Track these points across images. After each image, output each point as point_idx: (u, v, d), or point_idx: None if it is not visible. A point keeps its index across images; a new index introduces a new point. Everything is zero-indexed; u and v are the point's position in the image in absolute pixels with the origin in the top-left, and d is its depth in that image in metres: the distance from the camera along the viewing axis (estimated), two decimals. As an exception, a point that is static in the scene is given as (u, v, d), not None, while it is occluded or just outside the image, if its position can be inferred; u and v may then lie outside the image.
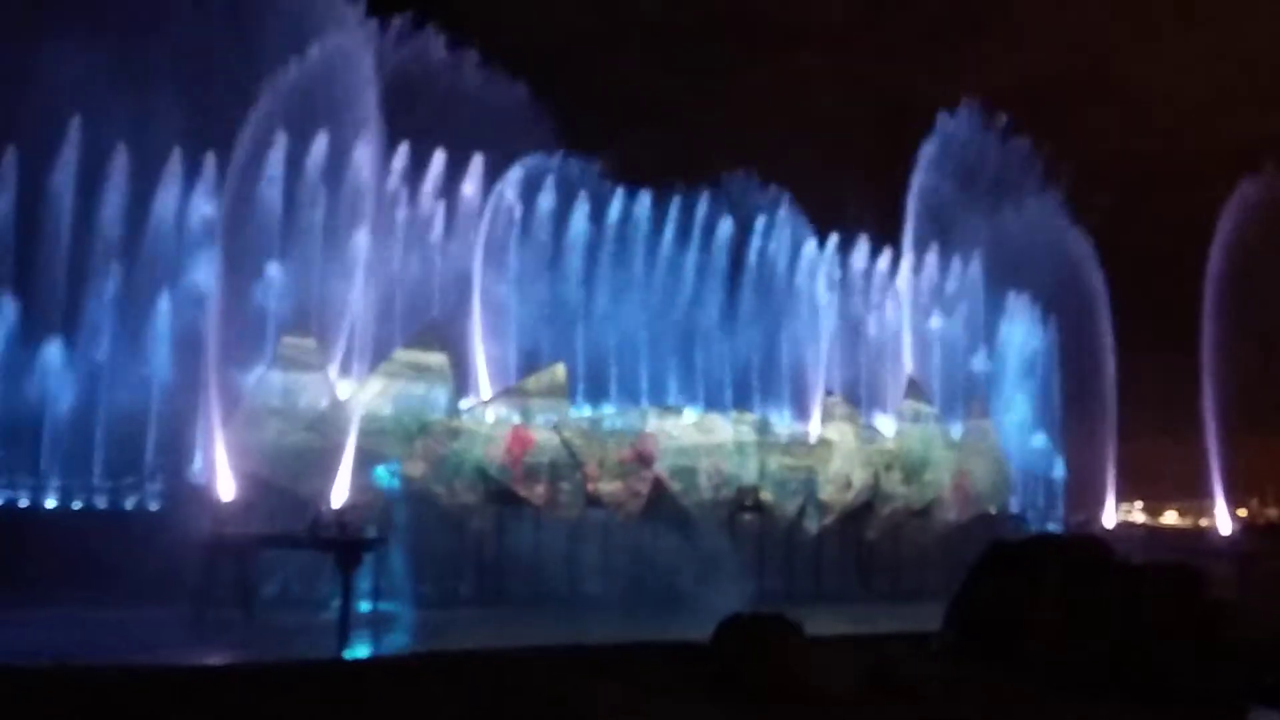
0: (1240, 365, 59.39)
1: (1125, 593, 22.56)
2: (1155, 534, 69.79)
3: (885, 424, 60.34)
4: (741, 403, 58.58)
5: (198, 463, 45.04)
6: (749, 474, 54.57)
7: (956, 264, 65.67)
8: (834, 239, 62.76)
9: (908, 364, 63.30)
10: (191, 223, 46.51)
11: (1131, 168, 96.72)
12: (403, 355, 48.24)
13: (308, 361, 45.97)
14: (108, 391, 46.29)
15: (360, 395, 46.33)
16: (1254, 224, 62.77)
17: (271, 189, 47.62)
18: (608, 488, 50.84)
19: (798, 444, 56.82)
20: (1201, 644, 21.38)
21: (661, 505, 51.57)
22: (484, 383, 52.35)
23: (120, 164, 47.61)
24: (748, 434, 55.30)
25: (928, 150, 62.75)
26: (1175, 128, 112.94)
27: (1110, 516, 64.43)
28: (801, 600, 43.96)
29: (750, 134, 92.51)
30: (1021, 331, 67.19)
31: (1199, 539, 62.45)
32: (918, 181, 62.26)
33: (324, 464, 44.14)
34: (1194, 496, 67.19)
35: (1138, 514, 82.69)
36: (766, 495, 54.98)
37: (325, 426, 45.17)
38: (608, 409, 54.55)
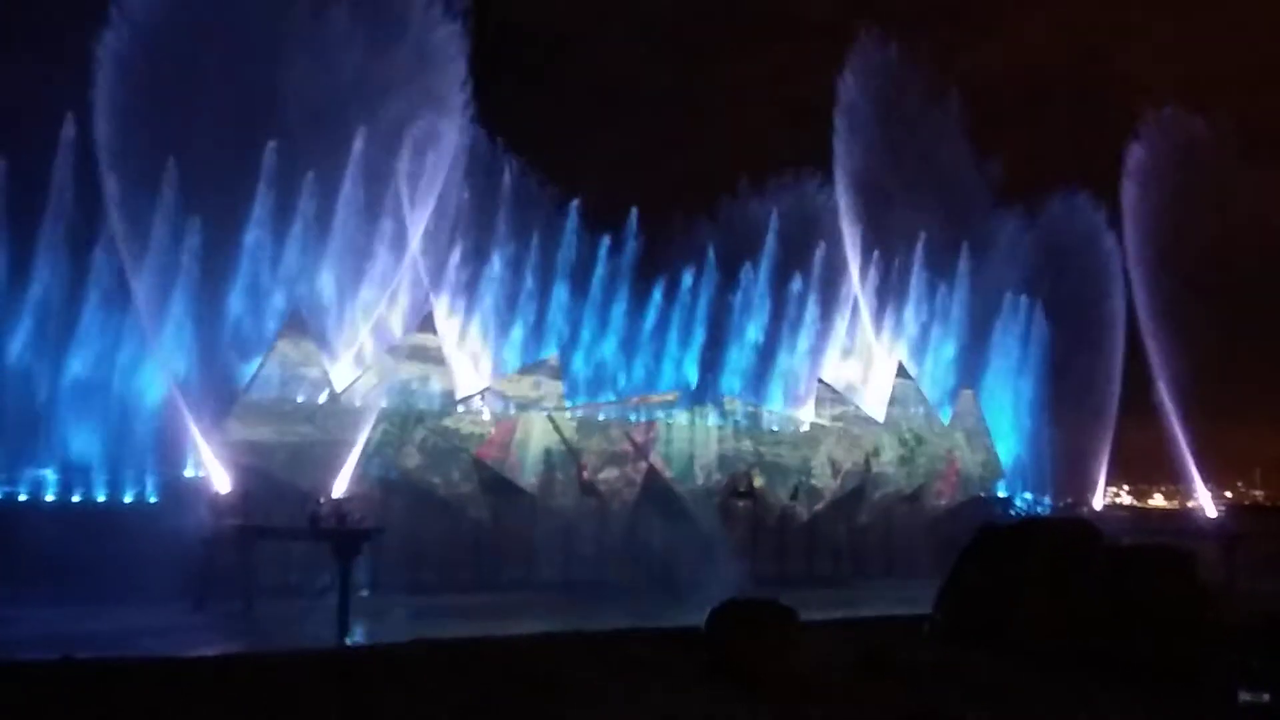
0: (1210, 347, 59.39)
1: (1114, 575, 22.77)
2: (1142, 516, 70.17)
3: (876, 410, 60.69)
4: (734, 390, 58.86)
5: (197, 456, 45.25)
6: (742, 461, 54.97)
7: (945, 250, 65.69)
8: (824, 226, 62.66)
9: (870, 348, 63.56)
10: (192, 218, 46.22)
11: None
12: (398, 349, 48.53)
13: (305, 355, 46.23)
14: (106, 385, 46.30)
15: (356, 388, 46.63)
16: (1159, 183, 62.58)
17: (269, 188, 47.52)
18: (603, 476, 51.23)
19: (790, 431, 57.20)
20: (1190, 625, 21.62)
21: (656, 493, 51.94)
22: (477, 376, 52.52)
23: (118, 161, 47.27)
24: (740, 421, 55.70)
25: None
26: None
27: (1098, 499, 64.86)
28: (795, 584, 44.35)
29: (742, 124, 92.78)
30: (1013, 317, 67.28)
31: (1186, 521, 62.77)
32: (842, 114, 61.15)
33: (322, 456, 44.51)
34: (1181, 479, 67.47)
35: (1125, 497, 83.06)
36: (759, 481, 55.39)
37: (323, 419, 45.53)
38: (602, 398, 54.83)
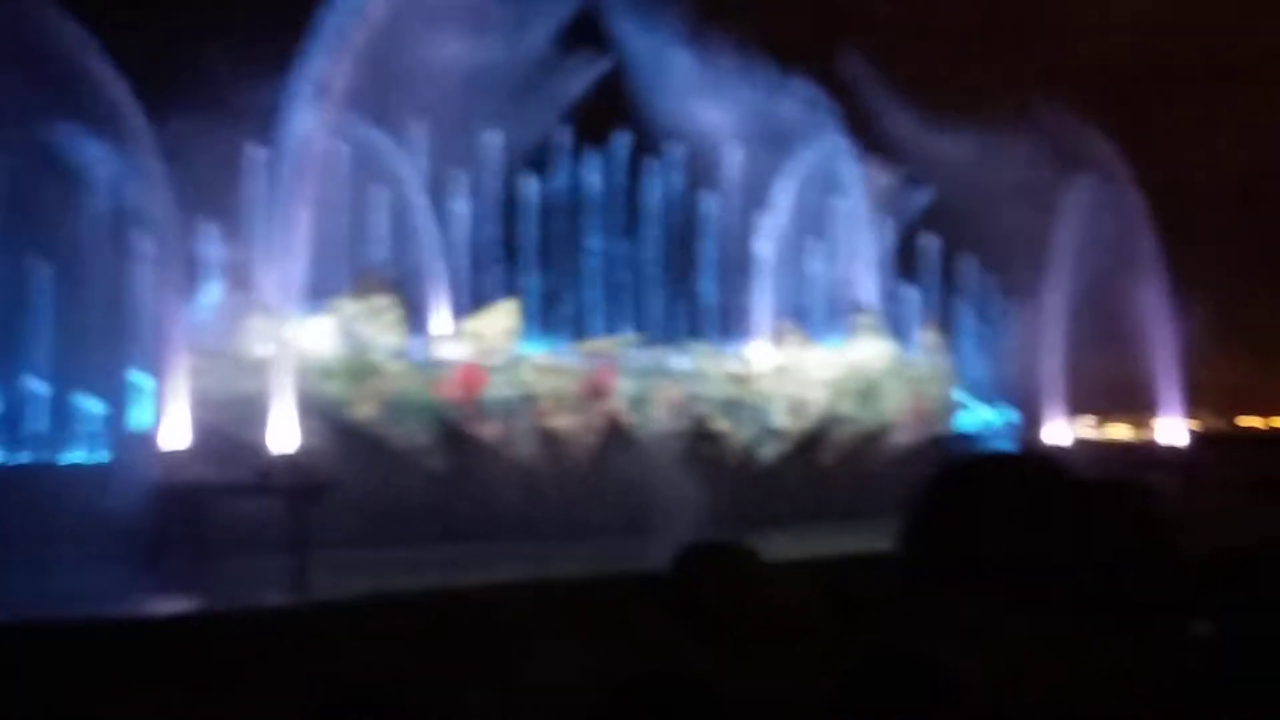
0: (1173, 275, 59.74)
1: (1076, 508, 22.90)
2: (1108, 448, 70.69)
3: (838, 347, 60.37)
4: (694, 331, 58.43)
5: (143, 411, 44.19)
6: (704, 403, 54.54)
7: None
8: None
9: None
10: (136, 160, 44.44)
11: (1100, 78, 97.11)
12: (350, 294, 47.48)
13: (253, 304, 45.06)
14: (47, 340, 45.13)
15: (306, 337, 45.53)
16: None
17: (213, 126, 45.81)
18: (562, 422, 50.60)
19: (751, 371, 56.79)
20: (1150, 558, 21.82)
21: (617, 437, 51.45)
22: (435, 320, 51.73)
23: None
24: (701, 362, 55.22)
25: None
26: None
27: (1064, 431, 65.17)
28: (759, 525, 44.11)
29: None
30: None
31: (1150, 452, 63.29)
32: None
33: (273, 409, 43.56)
34: (1145, 409, 68.08)
35: (1089, 429, 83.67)
36: (722, 423, 55.00)
37: (272, 371, 44.41)
38: (560, 344, 54.13)
